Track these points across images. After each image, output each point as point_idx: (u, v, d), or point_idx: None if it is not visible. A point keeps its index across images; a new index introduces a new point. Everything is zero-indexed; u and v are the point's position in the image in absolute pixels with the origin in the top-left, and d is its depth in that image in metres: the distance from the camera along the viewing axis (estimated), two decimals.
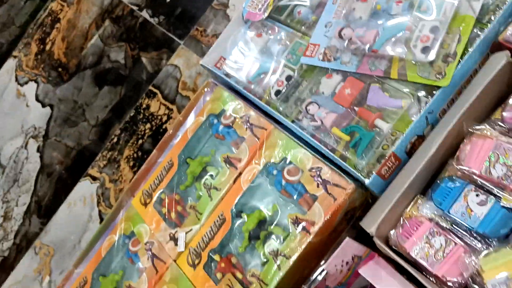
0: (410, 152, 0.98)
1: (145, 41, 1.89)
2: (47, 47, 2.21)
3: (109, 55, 1.98)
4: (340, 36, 1.05)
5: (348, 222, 1.07)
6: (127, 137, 1.79)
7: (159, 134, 1.70)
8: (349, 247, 0.91)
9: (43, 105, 2.08)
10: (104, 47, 2.02)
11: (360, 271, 0.95)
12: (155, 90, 1.78)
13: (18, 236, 1.86)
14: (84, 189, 1.82)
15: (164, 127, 1.70)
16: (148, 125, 1.75)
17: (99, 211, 1.72)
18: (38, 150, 2.00)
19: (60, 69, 2.12)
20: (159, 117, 1.73)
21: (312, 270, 1.05)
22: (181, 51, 1.76)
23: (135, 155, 1.73)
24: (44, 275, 1.76)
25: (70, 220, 1.80)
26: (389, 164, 0.96)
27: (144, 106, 1.79)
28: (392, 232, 0.92)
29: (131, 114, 1.81)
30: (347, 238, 0.91)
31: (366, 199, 1.06)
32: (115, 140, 1.82)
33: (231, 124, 1.22)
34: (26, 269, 1.82)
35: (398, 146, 0.95)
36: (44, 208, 1.86)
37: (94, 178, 1.81)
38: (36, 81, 2.16)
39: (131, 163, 1.72)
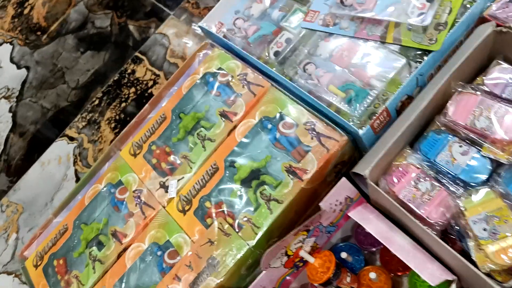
0: (400, 111, 1.07)
1: (133, 10, 1.90)
2: (26, 11, 2.18)
3: (93, 22, 1.98)
4: (341, 2, 1.14)
5: (336, 175, 1.14)
6: (110, 100, 1.80)
7: (144, 98, 1.72)
8: (344, 187, 0.98)
9: (18, 67, 2.04)
10: (89, 14, 2.02)
11: (350, 214, 1.02)
12: (141, 56, 1.80)
13: None
14: (60, 148, 1.80)
15: (149, 91, 1.72)
16: (132, 89, 1.76)
17: (76, 170, 1.71)
18: (10, 111, 1.95)
19: (39, 33, 2.09)
20: (145, 82, 1.75)
21: (301, 218, 1.12)
22: (171, 21, 1.79)
23: (117, 117, 1.74)
24: (11, 232, 1.71)
25: (43, 178, 1.77)
26: (381, 118, 1.04)
27: (129, 71, 1.81)
28: (382, 178, 1.00)
29: (115, 78, 1.81)
30: (343, 178, 0.98)
31: (353, 156, 1.14)
32: (96, 102, 1.82)
33: (228, 82, 1.27)
34: None
35: (390, 102, 1.03)
36: (14, 166, 1.82)
37: (71, 139, 1.80)
38: (11, 43, 2.12)
39: (113, 125, 1.73)
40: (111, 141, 1.66)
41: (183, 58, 1.69)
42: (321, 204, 0.97)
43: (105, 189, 1.34)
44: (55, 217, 1.38)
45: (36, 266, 1.33)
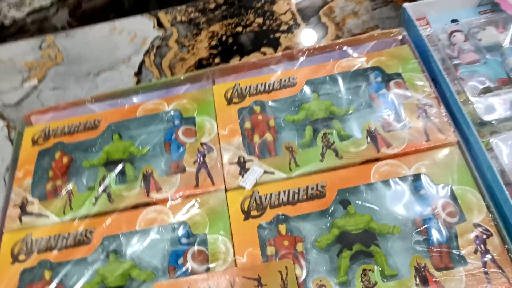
0: None
1: None
2: None
3: None
4: None
5: None
6: (227, 14, 1.41)
7: (265, 38, 1.33)
8: None
9: None
10: None
11: None
12: None
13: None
14: (142, 26, 1.43)
15: (276, 35, 1.33)
16: (259, 20, 1.37)
17: (143, 61, 1.35)
18: None
19: None
20: (278, 22, 1.36)
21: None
22: None
23: (223, 37, 1.36)
24: (33, 76, 1.37)
25: (104, 44, 1.41)
26: None
27: (269, 0, 1.42)
28: None
29: None
30: None
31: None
32: (212, 6, 1.44)
33: (397, 96, 0.90)
34: (20, 55, 1.43)
35: None
36: (84, 11, 1.45)
37: (160, 25, 1.43)
38: None
39: (213, 43, 1.35)
40: (206, 63, 1.29)
41: (338, 25, 1.29)
42: None
43: (169, 114, 0.97)
44: (91, 102, 1.02)
45: (34, 143, 0.98)
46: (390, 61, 0.95)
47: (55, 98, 1.32)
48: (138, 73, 1.33)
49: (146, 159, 0.95)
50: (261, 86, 0.97)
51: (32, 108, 1.28)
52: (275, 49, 1.30)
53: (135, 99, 1.03)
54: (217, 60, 1.31)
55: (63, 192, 0.90)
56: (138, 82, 1.31)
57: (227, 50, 1.34)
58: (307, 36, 1.32)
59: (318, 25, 1.34)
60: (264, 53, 1.30)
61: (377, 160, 0.84)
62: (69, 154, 0.97)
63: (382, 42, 1.01)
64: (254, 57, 1.29)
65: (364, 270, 0.75)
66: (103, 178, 0.90)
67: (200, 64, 1.31)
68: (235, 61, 1.29)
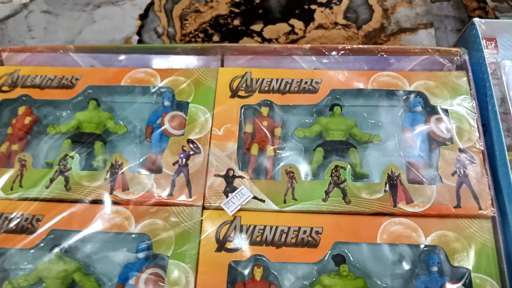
0: None
1: None
2: None
3: None
4: None
5: None
6: None
7: (296, 6, 1.12)
8: None
9: None
10: None
11: None
12: None
13: None
14: None
15: (312, 7, 1.12)
16: None
17: (152, 2, 1.14)
18: None
19: None
20: None
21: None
22: None
23: None
24: None
25: None
26: None
27: None
28: None
29: None
30: None
31: None
32: None
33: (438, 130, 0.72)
34: None
35: None
36: None
37: None
38: None
39: (236, 0, 1.14)
40: (223, 22, 1.09)
41: (386, 11, 1.08)
42: None
43: (160, 91, 0.81)
44: (73, 51, 0.85)
45: None
46: (438, 89, 0.77)
47: (44, 23, 1.13)
48: (144, 17, 1.14)
49: (121, 142, 0.79)
50: (276, 82, 0.79)
51: (17, 29, 1.10)
52: (306, 24, 1.09)
53: (124, 60, 0.86)
54: (236, 22, 1.11)
55: (16, 162, 0.75)
56: (141, 28, 1.12)
57: (251, 12, 1.13)
58: (347, 17, 1.10)
59: (363, 6, 1.13)
60: (293, 27, 1.10)
61: (390, 215, 0.69)
62: (34, 114, 0.82)
63: (434, 60, 0.81)
64: (279, 28, 1.09)
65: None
66: (65, 157, 0.75)
67: (216, 22, 1.11)
68: (257, 27, 1.09)
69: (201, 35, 1.11)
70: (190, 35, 1.11)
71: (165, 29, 1.12)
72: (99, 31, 1.13)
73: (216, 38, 1.10)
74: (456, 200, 0.69)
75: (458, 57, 0.80)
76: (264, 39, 1.09)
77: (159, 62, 0.85)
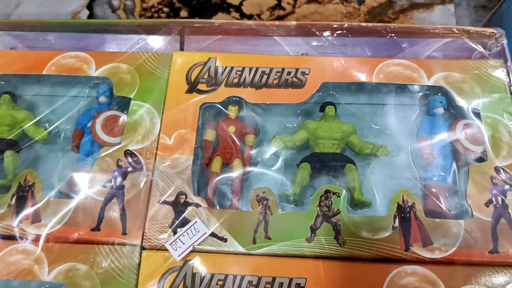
0: None
1: None
2: None
3: None
4: None
5: None
6: None
7: None
8: None
9: None
10: None
11: None
12: None
13: None
14: None
15: None
16: None
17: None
18: None
19: None
20: None
21: None
22: None
23: None
24: None
25: None
26: None
27: None
28: None
29: None
30: None
31: None
32: None
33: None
34: None
35: None
36: None
37: None
38: None
39: None
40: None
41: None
42: None
43: (93, 84, 0.60)
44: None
45: None
46: (467, 84, 0.57)
47: None
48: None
49: (39, 151, 0.59)
50: (250, 72, 0.59)
51: None
52: None
53: (53, 39, 0.65)
54: None
55: None
56: (92, 0, 0.90)
57: None
58: None
59: None
60: (279, 1, 0.88)
61: (401, 262, 0.49)
62: None
63: (461, 45, 0.61)
64: (263, 2, 0.88)
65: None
66: None
67: None
68: (235, 0, 0.88)
69: (165, 9, 0.90)
70: (152, 10, 0.90)
71: (122, 2, 0.90)
72: (41, 4, 0.92)
73: (184, 13, 0.89)
74: (492, 241, 0.49)
75: (494, 41, 0.60)
76: (243, 15, 0.88)
77: (96, 43, 0.64)
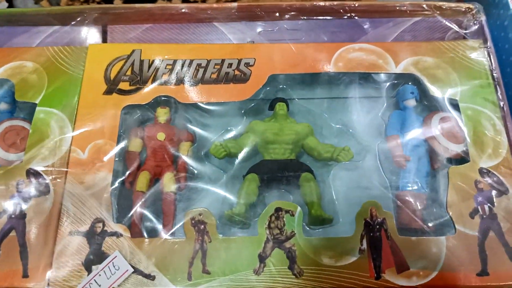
0: None
1: None
2: None
3: None
4: None
5: None
6: None
7: None
8: None
9: None
10: None
11: None
12: None
13: None
14: None
15: None
16: None
17: None
18: None
19: None
20: None
21: None
22: None
23: None
24: None
25: None
26: None
27: None
28: None
29: None
30: None
31: None
32: None
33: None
34: None
35: None
36: None
37: None
38: None
39: None
40: None
41: None
42: None
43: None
44: None
45: None
46: (441, 70, 0.47)
47: None
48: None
49: None
50: (183, 66, 0.48)
51: None
52: None
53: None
54: None
55: None
56: None
57: None
58: None
59: None
60: None
61: None
62: None
63: (433, 24, 0.51)
64: None
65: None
66: None
67: None
68: None
69: None
70: None
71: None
72: None
73: (117, 1, 0.77)
74: (480, 261, 0.40)
75: (471, 18, 0.51)
76: (185, 0, 0.76)
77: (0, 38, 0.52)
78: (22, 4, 0.79)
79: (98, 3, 0.76)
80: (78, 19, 0.54)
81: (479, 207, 0.43)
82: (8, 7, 0.78)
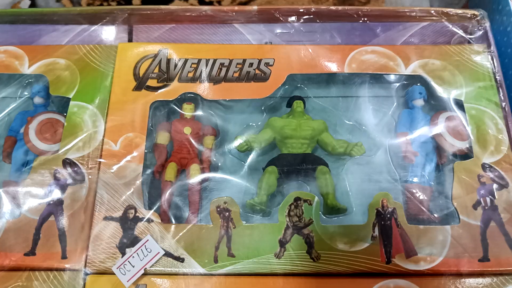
0: None
1: None
2: None
3: None
4: None
5: None
6: None
7: None
8: None
9: None
10: None
11: None
12: None
13: None
14: None
15: None
16: None
17: None
18: None
19: None
20: None
21: None
22: None
23: None
24: None
25: None
26: None
27: None
28: None
29: None
30: None
31: None
32: None
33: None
34: None
35: None
36: None
37: None
38: None
39: None
40: None
41: None
42: None
43: (26, 83, 0.52)
44: None
45: None
46: (447, 72, 0.51)
47: None
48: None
49: None
50: (207, 65, 0.51)
51: None
52: None
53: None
54: None
55: None
56: None
57: None
58: None
59: None
60: None
61: (382, 276, 0.43)
62: None
63: (440, 29, 0.55)
64: None
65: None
66: None
67: None
68: None
69: None
70: None
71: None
72: None
73: (136, 1, 0.80)
74: (482, 248, 0.44)
75: (476, 23, 0.54)
76: (202, 2, 0.80)
77: (31, 36, 0.56)
78: (43, 2, 0.82)
79: (118, 3, 0.80)
80: (107, 19, 0.57)
81: (481, 199, 0.46)
82: (30, 6, 0.82)
